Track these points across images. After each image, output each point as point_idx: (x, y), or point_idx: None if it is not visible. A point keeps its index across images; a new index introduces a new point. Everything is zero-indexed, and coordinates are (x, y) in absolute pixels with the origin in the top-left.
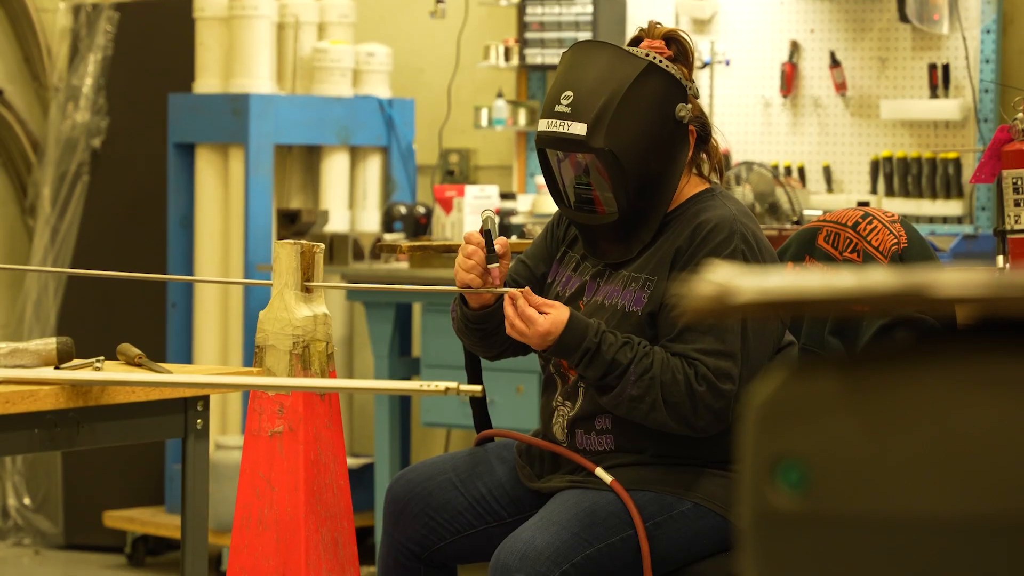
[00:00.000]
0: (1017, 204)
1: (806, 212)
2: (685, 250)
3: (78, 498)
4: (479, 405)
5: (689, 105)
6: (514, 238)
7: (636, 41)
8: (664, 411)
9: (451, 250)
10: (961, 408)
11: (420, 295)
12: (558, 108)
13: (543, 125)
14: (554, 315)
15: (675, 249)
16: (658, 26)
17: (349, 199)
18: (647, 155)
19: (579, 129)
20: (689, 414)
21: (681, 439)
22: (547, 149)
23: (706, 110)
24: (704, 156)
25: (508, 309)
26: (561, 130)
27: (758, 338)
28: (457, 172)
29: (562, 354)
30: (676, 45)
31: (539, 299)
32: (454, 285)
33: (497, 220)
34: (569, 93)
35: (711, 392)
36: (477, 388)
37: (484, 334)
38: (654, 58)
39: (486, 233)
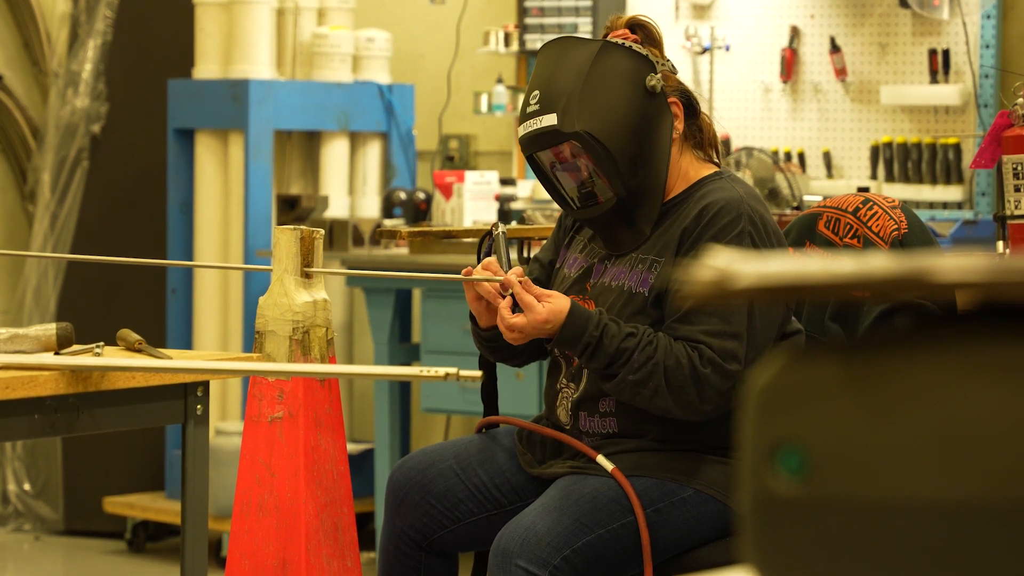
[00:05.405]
0: (1017, 189)
1: (806, 198)
2: (692, 232)
3: (78, 484)
4: (488, 390)
5: (658, 75)
6: (514, 223)
7: (603, 37)
8: (668, 396)
9: (451, 236)
10: (962, 393)
11: (420, 281)
12: (529, 109)
13: (520, 131)
14: (554, 303)
15: (681, 231)
16: (620, 17)
17: (349, 185)
18: (625, 129)
19: (550, 120)
20: (694, 399)
21: (684, 424)
22: (535, 155)
23: (706, 95)
24: (699, 133)
25: (503, 309)
26: (535, 127)
27: (763, 320)
28: (457, 158)
29: (564, 345)
30: (641, 30)
31: (538, 289)
32: (454, 271)
33: (504, 235)
34: (536, 92)
35: (717, 374)
36: (477, 373)
37: (495, 349)
38: (615, 41)
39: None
